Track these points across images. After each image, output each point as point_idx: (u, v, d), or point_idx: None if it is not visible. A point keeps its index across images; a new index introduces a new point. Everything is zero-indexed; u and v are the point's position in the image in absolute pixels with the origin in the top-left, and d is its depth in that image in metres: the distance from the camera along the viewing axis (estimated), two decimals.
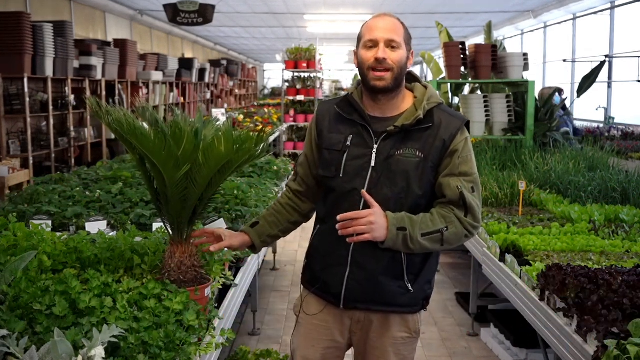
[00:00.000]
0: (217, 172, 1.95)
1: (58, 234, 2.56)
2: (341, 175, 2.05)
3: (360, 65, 2.05)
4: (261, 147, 1.94)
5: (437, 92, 2.16)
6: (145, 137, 1.87)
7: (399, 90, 2.05)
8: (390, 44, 1.98)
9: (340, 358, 2.23)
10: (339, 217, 1.90)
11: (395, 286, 2.03)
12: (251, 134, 1.90)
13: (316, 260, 2.15)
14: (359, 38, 2.07)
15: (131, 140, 1.89)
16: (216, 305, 2.43)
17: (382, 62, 1.97)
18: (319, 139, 2.15)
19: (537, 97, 6.20)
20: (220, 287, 2.47)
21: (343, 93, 3.19)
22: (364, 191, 1.96)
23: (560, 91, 7.81)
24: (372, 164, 2.01)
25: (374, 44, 2.00)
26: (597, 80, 6.27)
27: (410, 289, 2.04)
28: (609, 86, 10.82)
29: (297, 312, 2.24)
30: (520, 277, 2.99)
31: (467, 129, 2.08)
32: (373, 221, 1.88)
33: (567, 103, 7.54)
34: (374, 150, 2.02)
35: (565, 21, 12.99)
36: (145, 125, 1.98)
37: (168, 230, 2.09)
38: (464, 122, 2.04)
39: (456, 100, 6.98)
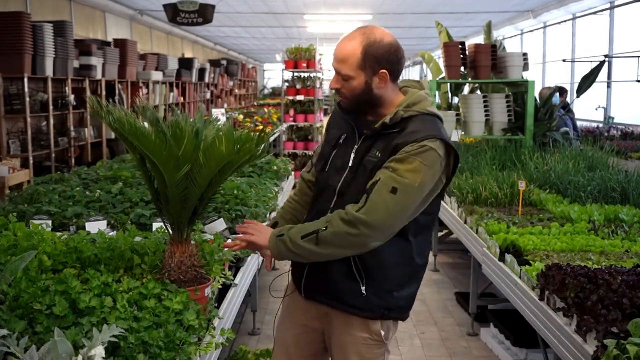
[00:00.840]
0: (217, 173, 1.95)
1: (58, 234, 2.56)
2: (326, 170, 2.12)
3: None
4: (262, 148, 1.94)
5: (429, 102, 2.10)
6: (146, 137, 1.87)
7: (376, 107, 2.05)
8: (340, 75, 2.01)
9: (314, 344, 2.23)
10: (245, 223, 2.09)
11: (348, 286, 2.04)
12: (252, 134, 1.91)
13: None
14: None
15: (132, 140, 1.89)
16: (216, 305, 2.43)
17: (337, 91, 2.05)
18: (326, 133, 2.24)
19: (537, 97, 6.20)
20: (220, 287, 2.48)
21: None
22: (246, 220, 2.13)
23: (563, 91, 7.80)
24: (350, 164, 2.06)
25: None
26: (597, 80, 6.26)
27: (363, 292, 2.03)
28: (609, 86, 10.82)
29: (282, 296, 2.33)
30: (520, 277, 2.99)
31: (449, 149, 1.97)
32: (259, 226, 2.06)
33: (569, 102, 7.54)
34: (354, 150, 2.07)
35: (565, 21, 12.99)
36: (146, 125, 1.98)
37: (168, 230, 2.09)
38: (428, 136, 1.93)
39: (456, 100, 6.98)
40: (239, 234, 2.21)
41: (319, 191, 2.16)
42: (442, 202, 4.85)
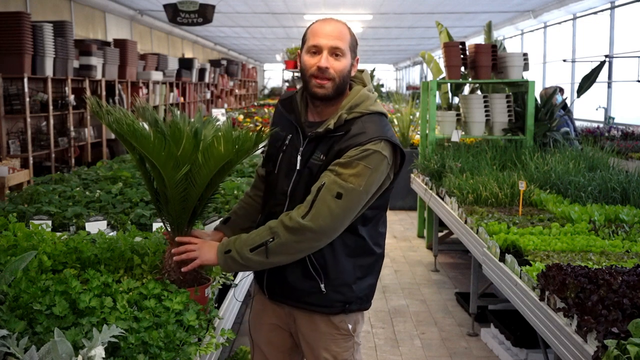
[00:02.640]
0: (216, 173, 1.95)
1: (58, 234, 2.56)
2: (276, 172, 2.10)
3: (302, 70, 2.03)
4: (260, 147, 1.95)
5: (373, 99, 2.05)
6: (145, 137, 1.87)
7: (340, 98, 2.03)
8: (334, 52, 1.96)
9: (286, 340, 2.24)
10: (177, 239, 2.03)
11: (307, 285, 2.05)
12: (250, 134, 1.91)
13: None
14: (303, 41, 2.04)
15: (131, 140, 1.89)
16: (216, 305, 2.43)
17: (324, 71, 1.95)
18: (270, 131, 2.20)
19: (537, 97, 6.20)
20: (220, 287, 2.48)
21: None
22: (179, 238, 2.05)
23: (561, 90, 7.80)
24: (298, 166, 2.04)
25: (317, 51, 1.97)
26: (597, 80, 6.26)
27: (323, 289, 2.04)
28: (609, 86, 10.82)
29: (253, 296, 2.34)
30: (520, 277, 2.98)
31: (395, 149, 1.98)
32: (201, 248, 2.01)
33: (568, 102, 7.54)
34: (300, 153, 2.04)
35: (565, 21, 12.99)
36: (145, 125, 1.98)
37: (168, 230, 2.09)
38: (372, 139, 1.92)
39: (456, 100, 6.98)
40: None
41: (269, 194, 2.13)
42: (442, 202, 4.89)
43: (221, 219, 2.35)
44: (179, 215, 2.02)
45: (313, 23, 2.04)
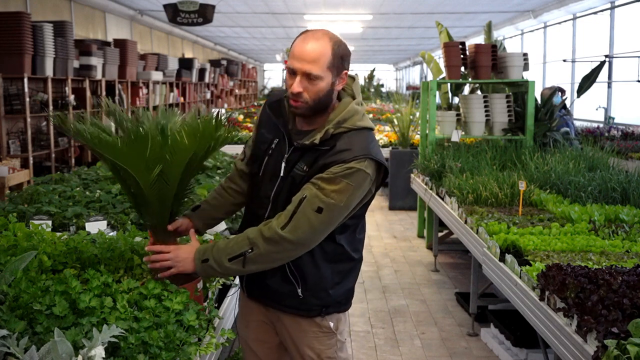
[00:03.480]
0: (187, 167, 1.93)
1: (58, 234, 2.56)
2: (260, 174, 2.09)
3: (285, 84, 2.04)
4: (221, 132, 1.92)
5: (360, 114, 2.04)
6: (110, 145, 1.84)
7: (324, 111, 2.01)
8: (308, 77, 1.91)
9: (273, 337, 2.25)
10: (146, 248, 2.03)
11: (285, 289, 2.06)
12: (211, 121, 1.89)
13: None
14: (289, 53, 2.03)
15: (98, 150, 1.88)
16: (216, 305, 2.43)
17: (296, 96, 1.93)
18: (258, 129, 2.18)
19: (537, 97, 6.19)
20: (220, 287, 2.47)
21: None
22: (191, 231, 2.13)
23: (562, 91, 7.80)
24: (282, 173, 2.03)
25: (293, 72, 1.94)
26: (597, 80, 6.26)
27: (300, 294, 2.05)
28: (609, 86, 10.81)
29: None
30: (520, 277, 2.98)
31: (380, 168, 1.98)
32: (176, 257, 1.98)
33: (567, 103, 7.54)
34: (284, 160, 2.03)
35: (565, 21, 12.99)
36: (113, 127, 1.98)
37: (150, 232, 2.10)
38: (356, 157, 1.91)
39: (456, 100, 6.98)
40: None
41: (253, 196, 2.13)
42: (442, 202, 4.89)
43: (192, 206, 2.31)
44: (159, 215, 2.02)
45: (297, 36, 1.98)
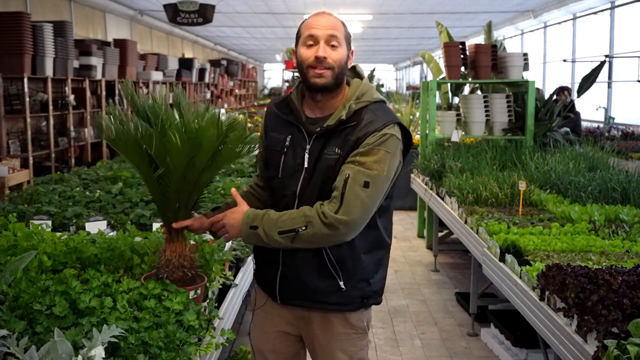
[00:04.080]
0: (206, 165, 1.93)
1: (58, 234, 2.56)
2: (279, 176, 2.07)
3: (299, 64, 2.02)
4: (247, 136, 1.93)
5: (373, 88, 2.09)
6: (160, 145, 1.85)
7: (338, 90, 2.03)
8: (331, 42, 1.96)
9: (293, 347, 2.23)
10: (208, 222, 2.04)
11: (324, 285, 2.03)
12: (238, 121, 1.91)
13: (258, 257, 2.20)
14: (298, 35, 2.04)
15: (141, 144, 1.88)
16: (216, 305, 2.43)
17: (322, 61, 1.95)
18: (265, 138, 2.16)
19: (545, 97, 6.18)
20: (220, 287, 2.47)
21: None
22: (233, 189, 2.06)
23: (567, 90, 7.78)
24: (306, 165, 2.02)
25: (314, 42, 1.97)
26: (597, 80, 6.26)
27: (342, 287, 2.03)
28: (609, 86, 10.82)
29: (251, 308, 2.29)
30: (520, 277, 2.98)
31: (405, 132, 2.01)
32: (224, 223, 1.99)
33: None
34: (307, 150, 2.02)
35: (565, 21, 12.99)
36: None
37: (169, 228, 2.07)
38: (387, 123, 1.95)
39: (456, 100, 6.98)
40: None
41: (276, 198, 2.10)
42: (442, 202, 4.89)
43: (212, 207, 2.30)
44: (177, 212, 2.01)
45: (306, 18, 2.04)
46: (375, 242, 2.08)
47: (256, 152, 2.10)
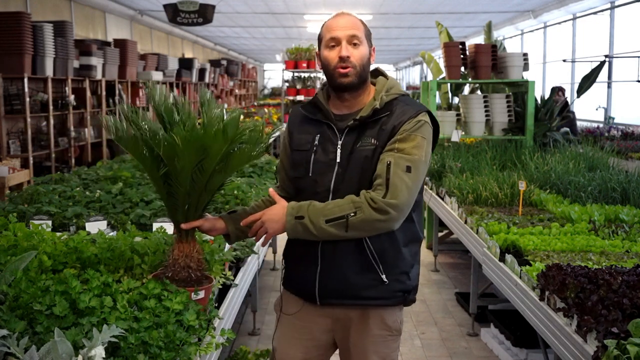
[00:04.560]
0: (217, 166, 1.93)
1: (58, 234, 2.56)
2: (310, 174, 2.08)
3: (324, 66, 2.07)
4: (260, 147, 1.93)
5: (399, 83, 2.16)
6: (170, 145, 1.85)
7: (364, 87, 2.08)
8: (352, 41, 2.01)
9: (324, 356, 2.23)
10: (242, 223, 2.02)
11: (367, 279, 2.03)
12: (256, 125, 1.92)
13: (291, 260, 2.18)
14: (320, 39, 2.09)
15: (150, 145, 1.88)
16: (216, 305, 2.43)
17: (345, 60, 2.00)
18: (290, 142, 2.18)
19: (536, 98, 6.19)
20: (220, 287, 2.48)
21: None
22: (270, 189, 2.06)
23: (561, 90, 7.79)
24: (338, 159, 2.04)
25: (336, 43, 2.02)
26: (597, 80, 6.26)
27: (385, 280, 2.03)
28: (609, 86, 10.82)
29: (277, 310, 2.27)
30: (520, 277, 2.99)
31: (433, 119, 2.06)
32: (263, 220, 1.97)
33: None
34: (339, 145, 2.05)
35: (565, 21, 12.99)
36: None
37: (179, 227, 2.06)
38: (420, 110, 2.02)
39: (456, 100, 6.98)
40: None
41: (309, 196, 2.07)
42: (442, 202, 4.89)
43: (228, 210, 2.29)
44: (187, 213, 2.01)
45: (326, 21, 2.09)
46: (412, 235, 2.09)
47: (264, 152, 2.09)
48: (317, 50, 2.13)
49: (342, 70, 2.01)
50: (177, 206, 1.99)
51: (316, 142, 2.09)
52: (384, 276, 2.03)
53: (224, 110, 2.02)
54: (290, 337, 2.20)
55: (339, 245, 2.00)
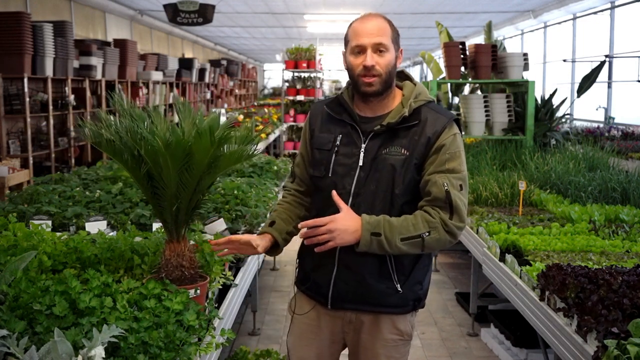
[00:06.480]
0: (206, 169, 1.93)
1: (58, 234, 2.56)
2: (330, 175, 2.05)
3: (349, 70, 2.05)
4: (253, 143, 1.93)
5: (427, 89, 2.13)
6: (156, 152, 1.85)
7: (389, 91, 2.05)
8: (378, 48, 1.97)
9: (337, 354, 2.23)
10: (299, 226, 1.93)
11: (383, 286, 2.03)
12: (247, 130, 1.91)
13: (306, 260, 2.16)
14: (346, 41, 2.05)
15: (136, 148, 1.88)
16: (216, 305, 2.43)
17: (370, 69, 1.97)
18: (311, 139, 2.15)
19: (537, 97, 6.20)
20: (220, 287, 2.47)
21: None
22: (333, 192, 1.97)
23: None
24: (360, 163, 2.01)
25: (361, 50, 1.98)
26: (597, 80, 6.26)
27: (399, 289, 2.03)
28: (609, 86, 10.82)
29: (290, 311, 2.25)
30: (520, 277, 2.99)
31: (458, 126, 2.05)
32: (332, 228, 1.86)
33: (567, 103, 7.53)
34: (362, 149, 2.02)
35: (565, 21, 12.99)
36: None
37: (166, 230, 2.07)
38: (451, 118, 2.01)
39: (456, 100, 6.98)
40: (239, 233, 2.18)
41: (325, 198, 2.04)
42: None
43: (267, 222, 2.23)
44: (176, 214, 2.01)
45: (353, 22, 2.04)
46: None
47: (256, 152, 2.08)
48: (344, 50, 2.09)
49: (366, 80, 1.98)
50: (164, 207, 1.99)
51: (337, 142, 2.06)
52: (398, 285, 2.03)
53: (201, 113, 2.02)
54: (302, 336, 2.20)
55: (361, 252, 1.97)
